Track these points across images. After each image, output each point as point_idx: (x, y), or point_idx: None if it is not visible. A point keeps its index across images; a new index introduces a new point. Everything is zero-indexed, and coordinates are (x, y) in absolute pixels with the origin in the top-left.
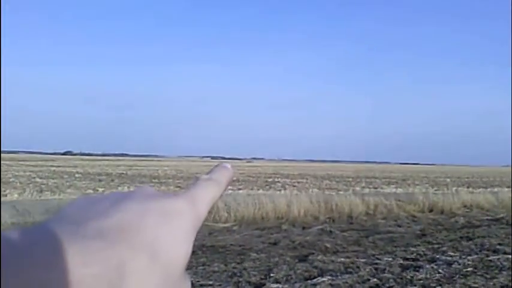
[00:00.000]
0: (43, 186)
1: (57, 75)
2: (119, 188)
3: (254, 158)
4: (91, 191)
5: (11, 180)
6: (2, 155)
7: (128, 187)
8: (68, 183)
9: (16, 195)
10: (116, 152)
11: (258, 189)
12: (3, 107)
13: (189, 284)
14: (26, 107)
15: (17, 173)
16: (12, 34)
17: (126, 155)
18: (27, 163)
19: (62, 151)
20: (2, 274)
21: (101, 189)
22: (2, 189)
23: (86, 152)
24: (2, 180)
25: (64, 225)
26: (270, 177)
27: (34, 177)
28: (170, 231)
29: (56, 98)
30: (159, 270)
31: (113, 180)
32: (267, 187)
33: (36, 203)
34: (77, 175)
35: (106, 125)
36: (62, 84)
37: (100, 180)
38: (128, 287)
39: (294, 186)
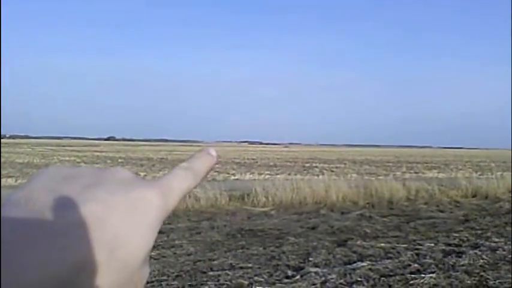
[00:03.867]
0: None
1: (100, 63)
2: (160, 173)
3: (291, 143)
4: None
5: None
6: (48, 140)
7: (169, 171)
8: None
9: None
10: (157, 138)
11: (296, 174)
12: (43, 96)
13: (147, 272)
14: (71, 95)
15: (62, 158)
16: (58, 26)
17: (167, 140)
18: (72, 148)
19: (105, 137)
20: None
21: (142, 174)
22: None
23: (128, 137)
24: (47, 165)
25: (29, 216)
26: (307, 162)
27: (79, 162)
28: (133, 225)
29: (98, 86)
30: (116, 265)
31: (154, 165)
32: (305, 172)
33: None
34: (119, 160)
35: (148, 111)
36: (104, 72)
37: (142, 165)
38: (84, 284)
39: (332, 171)
